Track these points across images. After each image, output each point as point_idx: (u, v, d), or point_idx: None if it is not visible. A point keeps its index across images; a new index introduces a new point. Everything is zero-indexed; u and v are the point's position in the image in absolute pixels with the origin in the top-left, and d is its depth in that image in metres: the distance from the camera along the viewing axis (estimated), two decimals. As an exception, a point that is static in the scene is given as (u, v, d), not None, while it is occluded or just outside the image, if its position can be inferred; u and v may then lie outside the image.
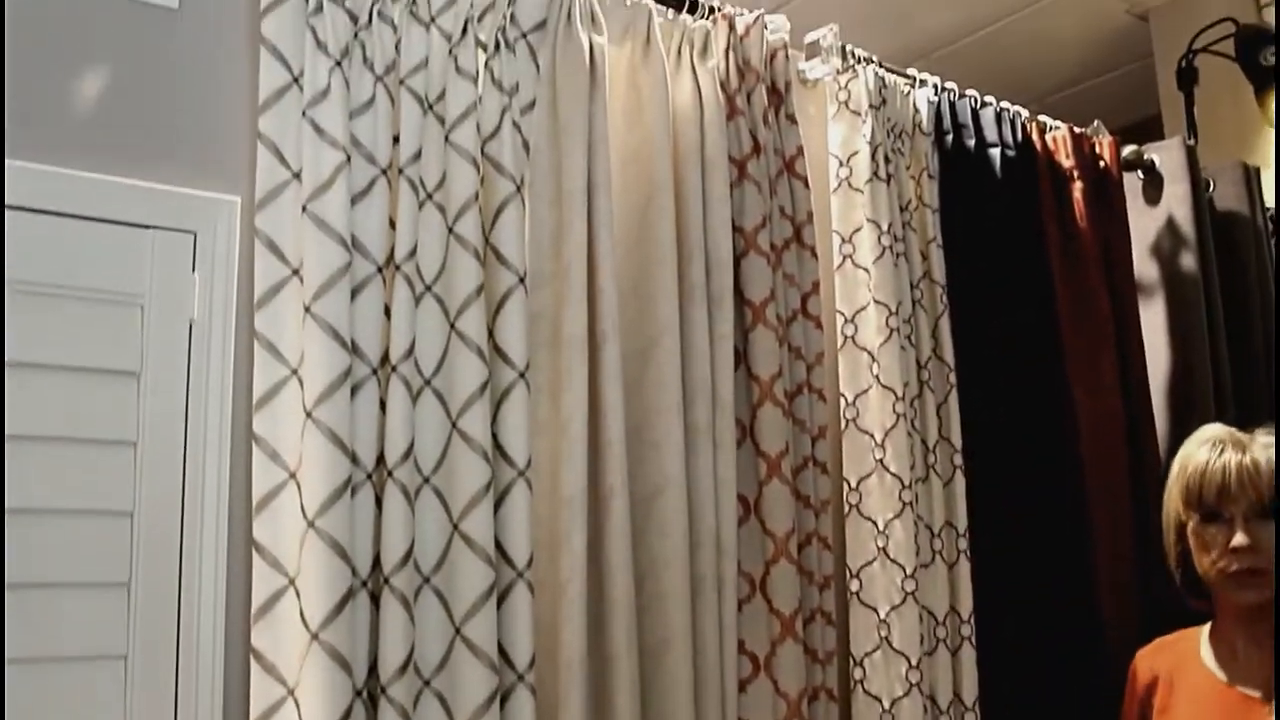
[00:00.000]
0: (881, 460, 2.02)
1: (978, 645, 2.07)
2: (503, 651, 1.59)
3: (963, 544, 2.08)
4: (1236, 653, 1.79)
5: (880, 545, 2.00)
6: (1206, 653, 1.83)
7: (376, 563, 1.55)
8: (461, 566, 1.58)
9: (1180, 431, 2.39)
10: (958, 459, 2.11)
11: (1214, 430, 1.83)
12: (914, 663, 1.96)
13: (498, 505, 1.63)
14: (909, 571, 1.99)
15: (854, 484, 2.05)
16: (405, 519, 1.56)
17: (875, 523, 2.02)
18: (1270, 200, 3.13)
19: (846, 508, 2.05)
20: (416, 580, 1.57)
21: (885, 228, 2.11)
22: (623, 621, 1.65)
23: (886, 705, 1.97)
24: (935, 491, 2.10)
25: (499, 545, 1.61)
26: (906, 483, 2.01)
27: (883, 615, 1.99)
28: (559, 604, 1.62)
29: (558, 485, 1.67)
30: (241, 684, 1.50)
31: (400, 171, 1.67)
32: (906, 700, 1.96)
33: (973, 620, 2.07)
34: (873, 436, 2.04)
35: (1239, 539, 1.73)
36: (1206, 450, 1.80)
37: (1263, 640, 1.76)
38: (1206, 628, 1.86)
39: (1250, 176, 3.01)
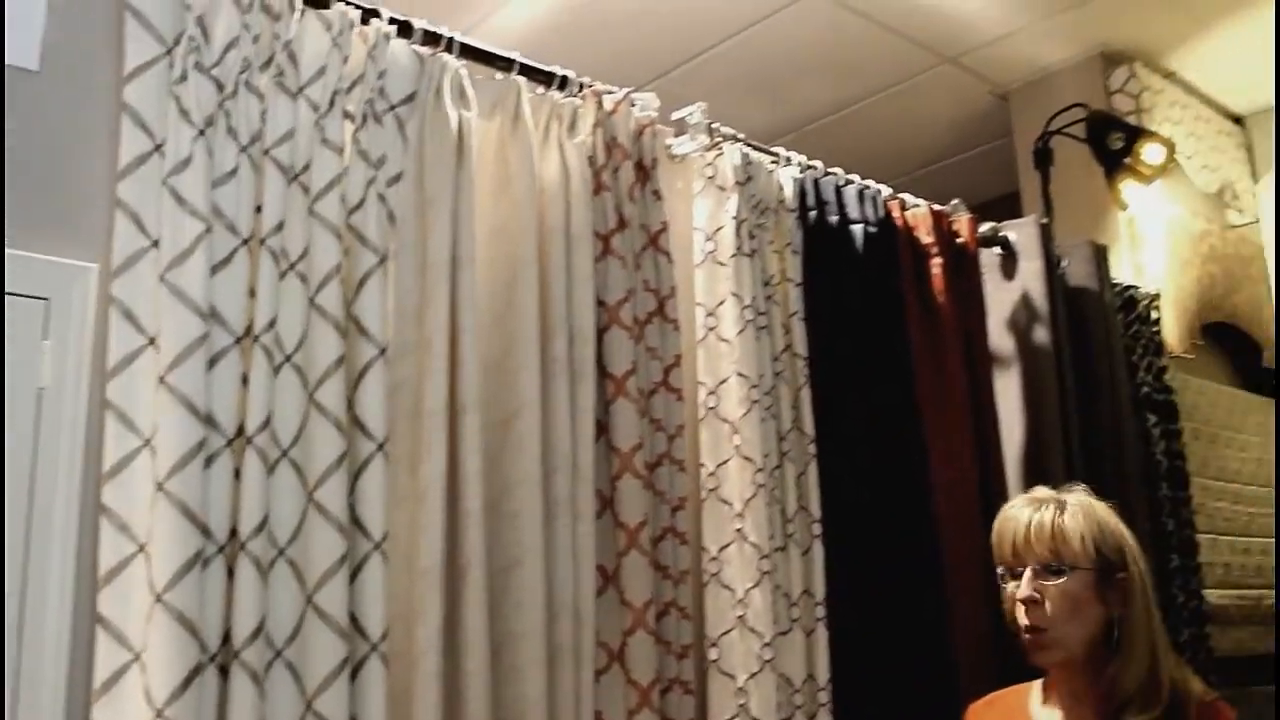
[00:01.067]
0: (741, 530, 2.06)
1: (835, 713, 2.11)
2: (354, 723, 1.58)
3: (820, 611, 2.13)
4: (1063, 712, 1.81)
5: (739, 614, 2.04)
6: (1035, 710, 1.86)
7: (227, 638, 1.53)
8: (314, 640, 1.56)
9: (1031, 500, 2.48)
10: (816, 528, 2.17)
11: (1037, 490, 1.88)
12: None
13: (353, 577, 1.62)
14: (767, 639, 2.02)
15: (714, 553, 2.08)
16: (258, 592, 1.54)
17: (734, 591, 2.05)
18: (1119, 277, 3.30)
19: (706, 577, 2.08)
20: (268, 654, 1.55)
21: (748, 301, 2.17)
22: (478, 693, 1.65)
23: (743, 774, 2.00)
24: (794, 560, 2.14)
25: (353, 618, 1.60)
26: (765, 552, 2.06)
27: (741, 683, 2.02)
28: (413, 676, 1.62)
29: (415, 556, 1.67)
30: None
31: (262, 242, 1.67)
32: (762, 767, 1.99)
33: (830, 687, 2.11)
34: (732, 506, 2.08)
35: (1022, 590, 1.76)
36: (1016, 507, 1.84)
37: (1085, 697, 1.78)
38: (1039, 683, 1.88)
39: (1099, 255, 3.16)
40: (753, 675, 2.01)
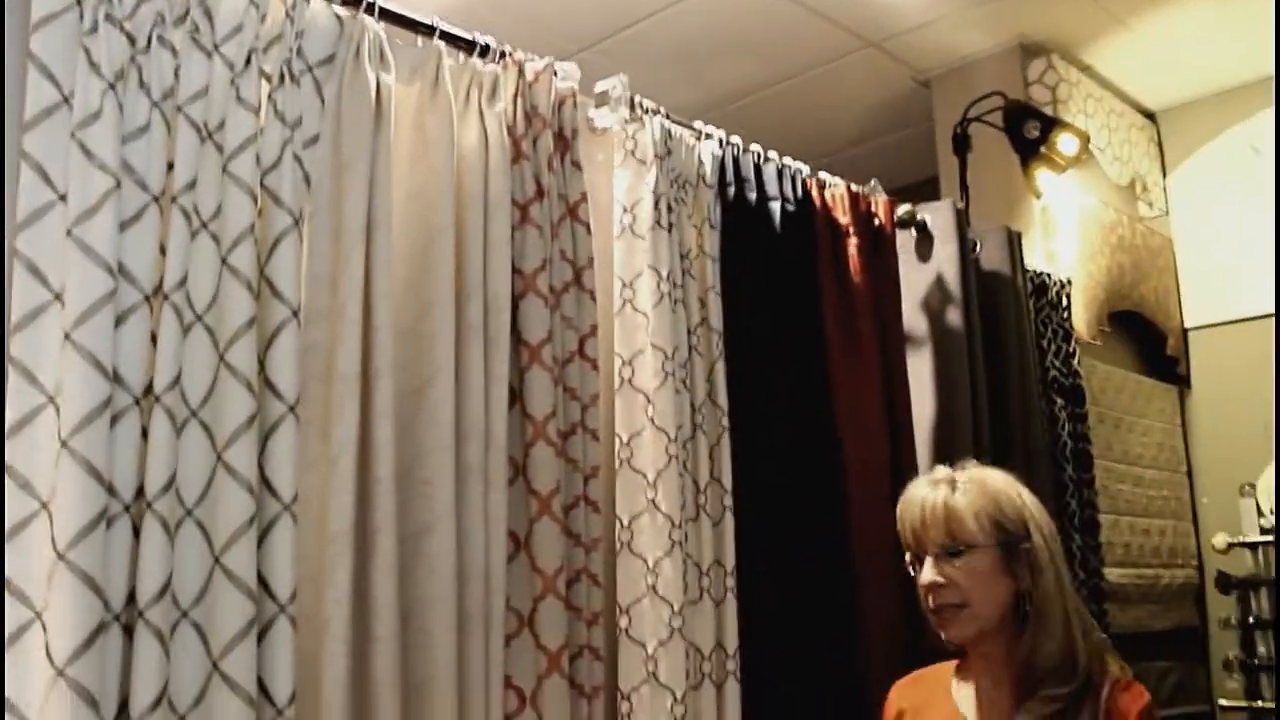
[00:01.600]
0: (653, 500, 2.08)
1: (743, 680, 2.15)
2: (262, 686, 1.57)
3: (730, 582, 2.16)
4: (980, 689, 1.83)
5: (650, 583, 2.06)
6: (955, 687, 1.87)
7: (132, 597, 1.52)
8: (222, 600, 1.55)
9: (938, 477, 2.53)
10: (728, 500, 2.20)
11: (935, 470, 1.88)
12: (679, 696, 2.02)
13: (261, 539, 1.61)
14: (677, 608, 2.05)
15: (626, 522, 2.10)
16: (164, 551, 1.53)
17: (645, 560, 2.07)
18: (1032, 263, 3.37)
19: (618, 545, 2.10)
20: (174, 614, 1.54)
21: (665, 274, 2.18)
22: (386, 658, 1.65)
23: (650, 739, 2.02)
24: (705, 531, 2.17)
25: (261, 579, 1.60)
26: (677, 522, 2.08)
27: (650, 650, 2.04)
28: (322, 640, 1.62)
29: (325, 521, 1.66)
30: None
31: (174, 199, 1.65)
32: (670, 734, 2.02)
33: (738, 656, 2.14)
34: (645, 476, 2.10)
35: (925, 576, 1.77)
36: (913, 490, 1.84)
37: (1002, 671, 1.79)
38: (956, 662, 1.90)
39: (1013, 241, 3.23)
40: (662, 643, 2.04)
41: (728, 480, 2.21)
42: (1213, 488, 4.12)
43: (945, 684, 1.90)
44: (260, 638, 1.59)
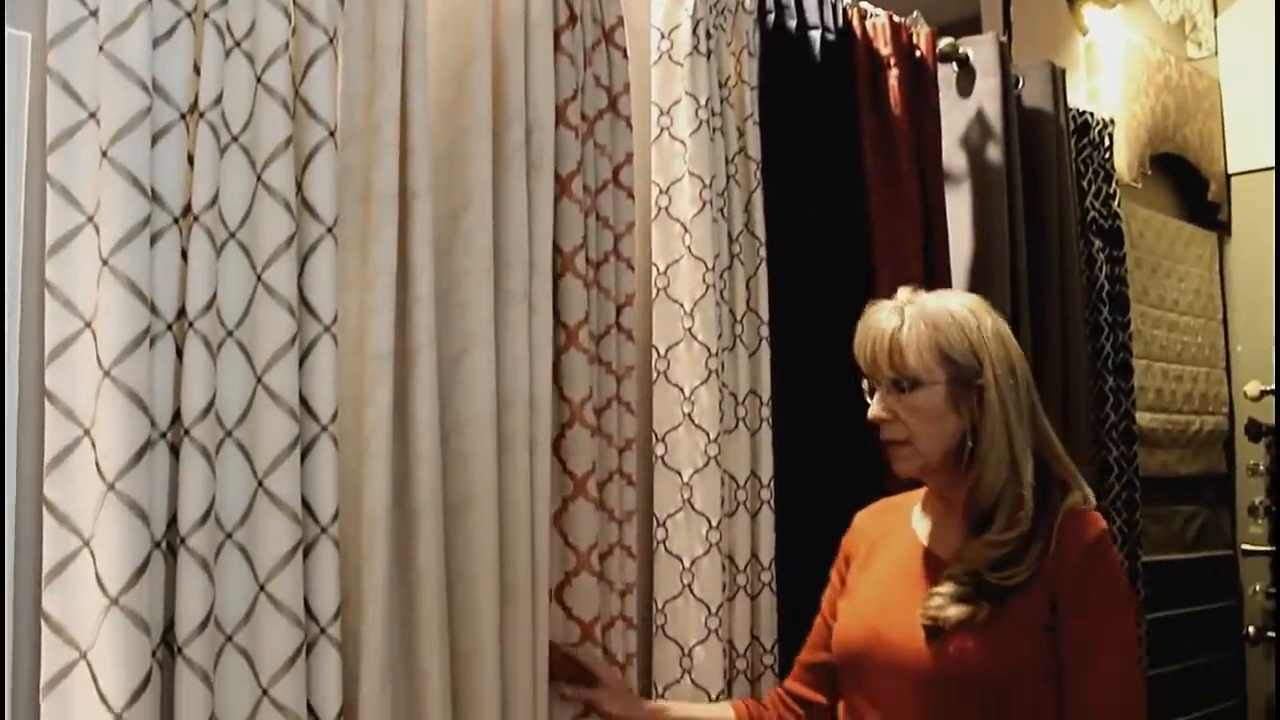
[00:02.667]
0: (690, 329, 2.08)
1: (777, 509, 2.17)
2: (306, 504, 1.60)
3: (766, 412, 2.17)
4: (939, 518, 1.81)
5: (686, 411, 2.07)
6: (916, 515, 1.86)
7: (176, 416, 1.53)
8: (265, 420, 1.57)
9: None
10: (764, 330, 2.19)
11: (899, 293, 1.81)
12: (714, 523, 2.05)
13: (302, 360, 1.62)
14: (713, 436, 2.06)
15: (662, 351, 2.10)
16: (207, 371, 1.54)
17: (682, 389, 2.08)
18: (1075, 101, 3.29)
19: (654, 374, 2.10)
20: (218, 433, 1.56)
21: (703, 102, 2.14)
22: (426, 477, 1.67)
23: (686, 564, 2.06)
24: (741, 361, 2.17)
25: (303, 399, 1.61)
26: (714, 351, 2.08)
27: (686, 479, 2.06)
28: (363, 459, 1.64)
29: (364, 341, 1.67)
30: (34, 542, 1.47)
31: (206, 15, 1.60)
32: (705, 559, 2.05)
33: (773, 486, 2.17)
34: (682, 305, 2.09)
35: (873, 410, 1.76)
36: (869, 315, 1.78)
37: (955, 506, 1.77)
38: (923, 490, 1.88)
39: (1056, 77, 3.14)
40: (698, 470, 2.06)
41: (764, 310, 2.20)
42: (1248, 336, 4.10)
43: (906, 512, 1.89)
44: (303, 457, 1.60)
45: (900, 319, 1.74)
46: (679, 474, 2.07)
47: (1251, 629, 3.95)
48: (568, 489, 1.88)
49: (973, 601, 1.67)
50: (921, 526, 1.84)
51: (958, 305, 1.78)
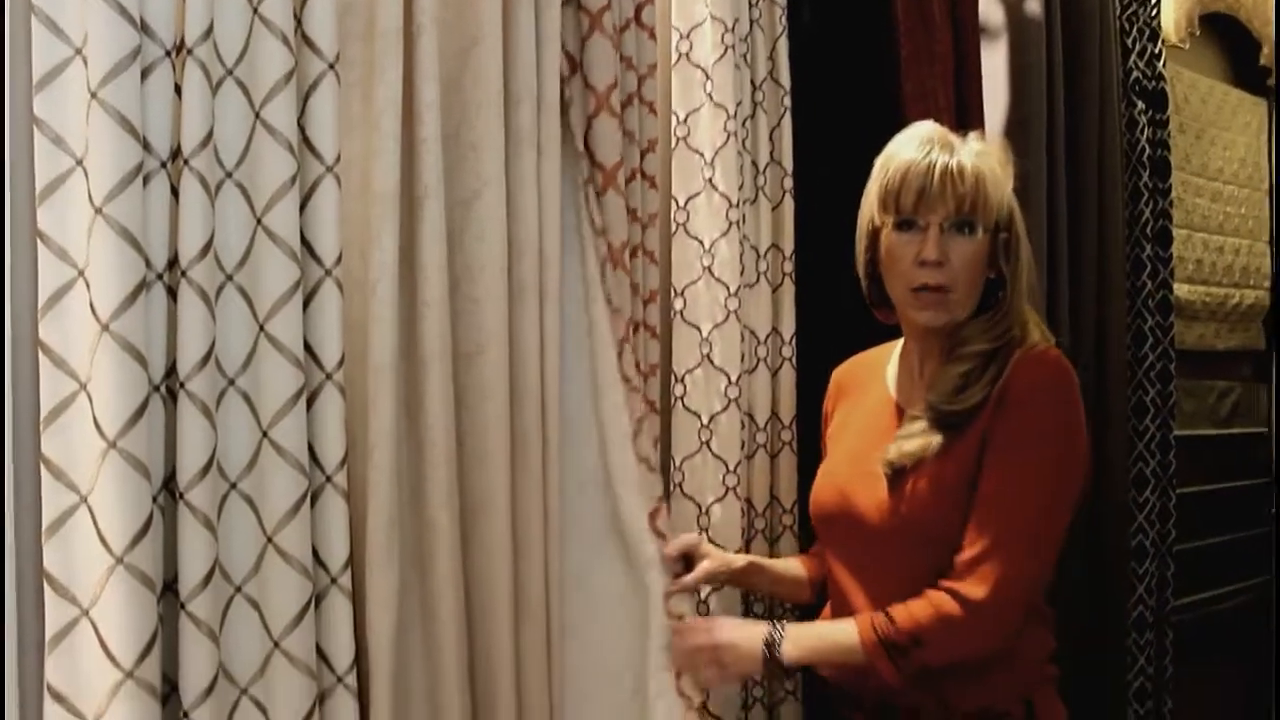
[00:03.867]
0: (710, 179, 2.00)
1: (798, 367, 2.12)
2: (310, 350, 1.55)
3: (788, 267, 2.10)
4: (913, 371, 1.75)
5: (706, 264, 2.00)
6: (890, 368, 1.80)
7: (174, 261, 1.47)
8: (266, 263, 1.51)
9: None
10: (788, 182, 2.11)
11: (925, 129, 1.69)
12: (733, 379, 2.00)
13: (304, 202, 1.56)
14: (733, 290, 2.00)
15: (682, 202, 2.03)
16: (204, 212, 1.48)
17: (701, 242, 2.01)
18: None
19: (674, 226, 2.03)
20: (218, 276, 1.51)
21: (723, -57, 2.03)
22: (435, 325, 1.62)
23: (705, 420, 2.01)
24: (763, 213, 2.10)
25: (305, 241, 1.55)
26: (734, 202, 2.00)
27: (705, 334, 2.01)
28: (369, 304, 1.58)
29: (369, 183, 1.60)
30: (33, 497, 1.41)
31: None
32: (724, 416, 2.01)
33: (794, 342, 2.11)
34: (702, 155, 2.01)
35: (929, 250, 1.62)
36: (913, 148, 1.65)
37: (933, 350, 1.71)
38: (898, 343, 1.82)
39: (1102, -76, 2.98)
40: (717, 325, 2.00)
41: (788, 162, 2.11)
42: (1294, 207, 3.97)
43: (882, 365, 1.82)
44: (306, 303, 1.55)
45: (962, 155, 1.64)
46: (698, 329, 2.01)
47: (1285, 506, 3.90)
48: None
49: (927, 433, 1.63)
50: (894, 381, 1.79)
51: (991, 148, 1.70)
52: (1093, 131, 2.88)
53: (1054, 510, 1.63)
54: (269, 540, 1.51)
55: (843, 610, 1.75)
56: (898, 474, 1.65)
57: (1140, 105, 3.13)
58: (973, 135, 1.70)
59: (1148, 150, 3.14)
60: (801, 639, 1.68)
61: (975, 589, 1.57)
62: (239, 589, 1.52)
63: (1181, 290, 3.41)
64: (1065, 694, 1.75)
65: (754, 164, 2.09)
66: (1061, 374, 1.67)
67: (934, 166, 1.61)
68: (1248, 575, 3.83)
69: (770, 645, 1.67)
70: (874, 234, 1.72)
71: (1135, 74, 3.13)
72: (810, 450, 2.08)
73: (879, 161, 1.71)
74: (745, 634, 1.72)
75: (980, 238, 1.64)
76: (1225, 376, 3.84)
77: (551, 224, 1.74)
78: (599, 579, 1.83)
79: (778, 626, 1.70)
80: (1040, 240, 2.59)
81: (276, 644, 1.51)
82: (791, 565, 1.96)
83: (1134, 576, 3.04)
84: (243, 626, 1.51)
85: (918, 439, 1.65)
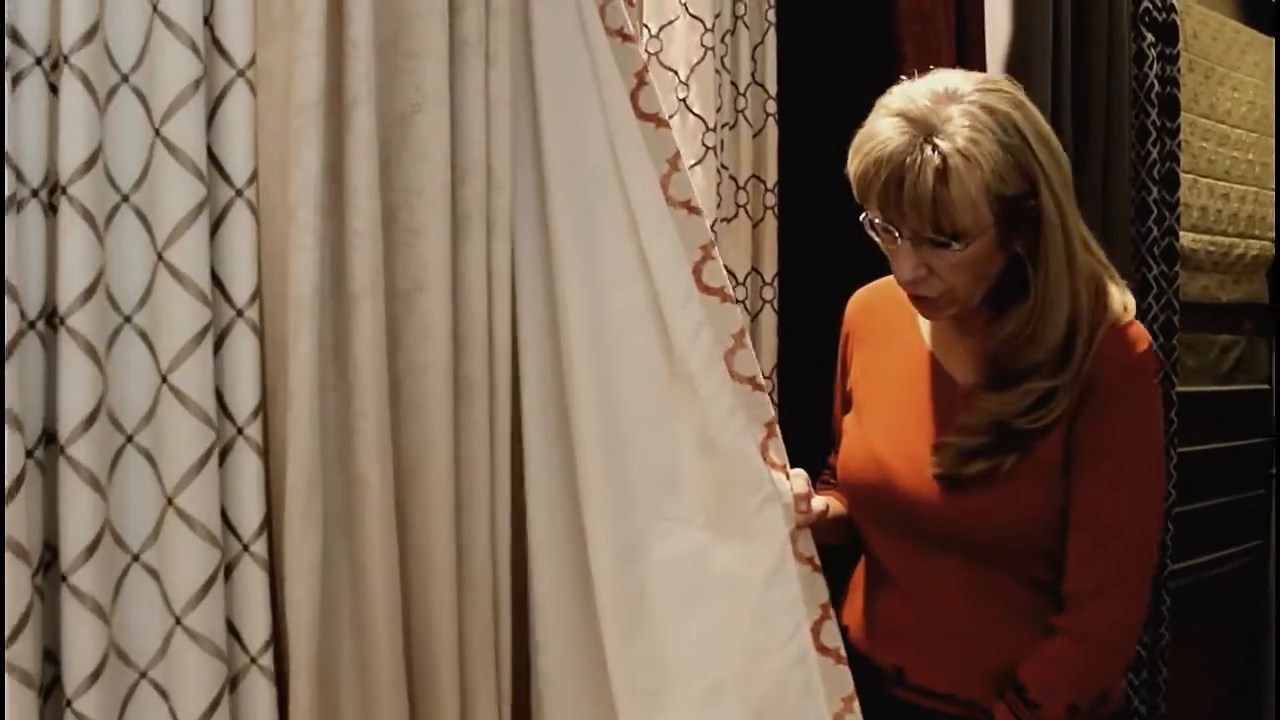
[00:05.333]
0: (685, 100, 1.79)
1: (780, 310, 1.92)
2: (218, 283, 1.35)
3: (770, 199, 1.90)
4: (947, 328, 1.52)
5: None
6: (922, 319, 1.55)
7: (53, 175, 1.26)
8: (164, 179, 1.31)
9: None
10: (771, 106, 1.90)
11: (909, 97, 1.38)
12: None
13: (212, 110, 1.35)
14: (709, 224, 1.79)
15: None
16: (90, 121, 1.26)
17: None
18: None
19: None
20: (110, 196, 1.30)
21: None
22: (366, 256, 1.41)
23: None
24: (744, 140, 1.89)
25: (213, 157, 1.34)
26: (711, 126, 1.79)
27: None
28: (288, 231, 1.37)
29: (289, 91, 1.38)
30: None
31: None
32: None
33: (776, 282, 1.91)
34: (676, 73, 1.80)
35: (904, 270, 1.39)
36: (886, 130, 1.35)
37: (973, 326, 1.48)
38: None
39: None
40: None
41: (772, 83, 1.90)
42: (1303, 154, 3.78)
43: (909, 308, 1.52)
44: (214, 228, 1.35)
45: (933, 155, 1.31)
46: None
47: (1281, 467, 3.75)
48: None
49: (994, 454, 1.42)
50: (928, 329, 1.55)
51: (998, 107, 1.35)
52: (1100, 65, 2.68)
53: (1158, 517, 1.52)
54: (169, 502, 1.31)
55: (875, 582, 1.58)
56: (952, 484, 1.45)
57: (1150, 38, 2.92)
58: (970, 95, 1.36)
59: (1156, 87, 2.94)
60: None
61: (1106, 629, 1.44)
62: (135, 558, 1.32)
63: (1185, 239, 3.22)
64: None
65: (734, 84, 1.88)
66: (1149, 359, 1.44)
67: (892, 181, 1.33)
68: (1244, 539, 3.68)
69: None
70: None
71: (1145, 4, 2.92)
72: (791, 410, 1.88)
73: (855, 139, 1.41)
74: None
75: (966, 246, 1.37)
76: (1227, 330, 3.67)
77: (501, 143, 1.52)
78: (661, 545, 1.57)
79: None
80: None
81: (178, 620, 1.32)
82: (839, 507, 1.67)
83: (1133, 540, 2.87)
84: (139, 601, 1.32)
85: (983, 460, 1.42)
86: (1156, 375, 1.47)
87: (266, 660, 1.36)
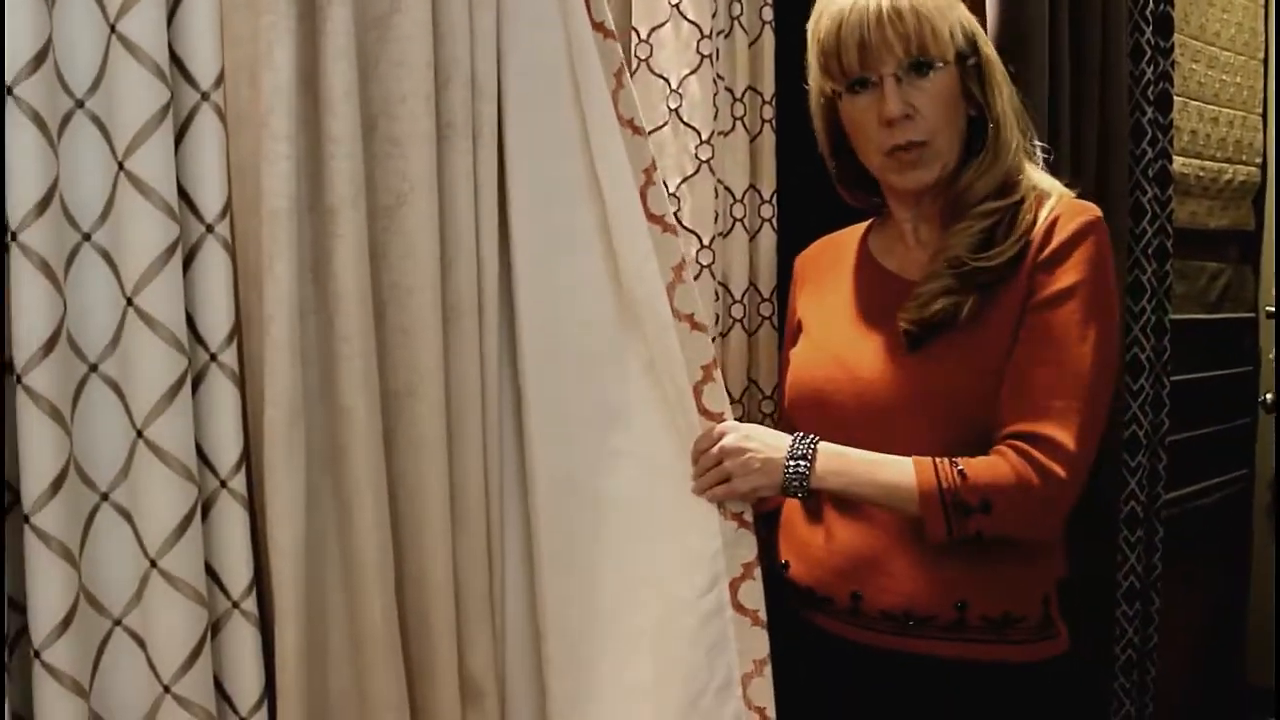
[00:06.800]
0: (678, 6, 1.68)
1: (778, 228, 1.82)
2: (185, 195, 1.23)
3: (768, 113, 1.79)
4: (905, 238, 1.56)
5: (673, 106, 1.69)
6: (872, 241, 1.61)
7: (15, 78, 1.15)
8: (125, 85, 1.19)
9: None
10: (767, 13, 1.79)
11: None
12: (706, 242, 1.70)
13: (173, 9, 1.23)
14: (704, 137, 1.69)
15: (644, 35, 1.70)
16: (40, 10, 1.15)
17: (668, 80, 1.69)
18: None
19: (635, 63, 1.71)
20: (63, 100, 1.19)
21: None
22: (345, 168, 1.30)
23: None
24: (739, 49, 1.77)
25: (175, 58, 1.23)
26: (706, 32, 1.68)
27: (673, 188, 1.70)
28: (260, 139, 1.26)
29: (257, -11, 1.27)
30: None
31: None
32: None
33: (774, 201, 1.81)
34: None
35: (891, 107, 1.43)
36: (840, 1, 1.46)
37: (928, 213, 1.53)
38: (873, 220, 1.64)
39: None
40: (687, 178, 1.70)
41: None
42: (1291, 79, 3.71)
43: (853, 244, 1.62)
44: (179, 136, 1.24)
45: None
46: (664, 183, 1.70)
47: (1268, 395, 3.71)
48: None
49: (957, 292, 1.42)
50: (880, 251, 1.58)
51: None
52: (1095, -18, 2.58)
53: (1110, 375, 1.44)
54: (139, 435, 1.21)
55: (839, 510, 1.50)
56: (917, 340, 1.43)
57: (1144, -48, 2.82)
58: None
59: (1151, 4, 2.84)
60: (838, 461, 1.44)
61: (1055, 464, 1.36)
62: (105, 496, 1.22)
63: (1176, 163, 3.14)
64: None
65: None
66: (1102, 225, 1.46)
67: (868, 13, 1.43)
68: (1233, 468, 3.65)
69: (798, 459, 1.43)
70: (829, 105, 1.53)
71: (1138, -82, 2.82)
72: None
73: (810, 25, 1.51)
74: (763, 441, 1.46)
75: (944, 73, 1.45)
76: (1215, 258, 3.61)
77: (485, 49, 1.41)
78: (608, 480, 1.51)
79: (804, 440, 1.45)
80: (1041, 102, 2.30)
81: (154, 563, 1.22)
82: None
83: (1126, 470, 2.82)
84: (110, 543, 1.22)
85: (944, 298, 1.42)
86: (1107, 243, 1.46)
87: (250, 604, 1.27)
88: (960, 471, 1.38)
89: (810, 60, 1.52)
